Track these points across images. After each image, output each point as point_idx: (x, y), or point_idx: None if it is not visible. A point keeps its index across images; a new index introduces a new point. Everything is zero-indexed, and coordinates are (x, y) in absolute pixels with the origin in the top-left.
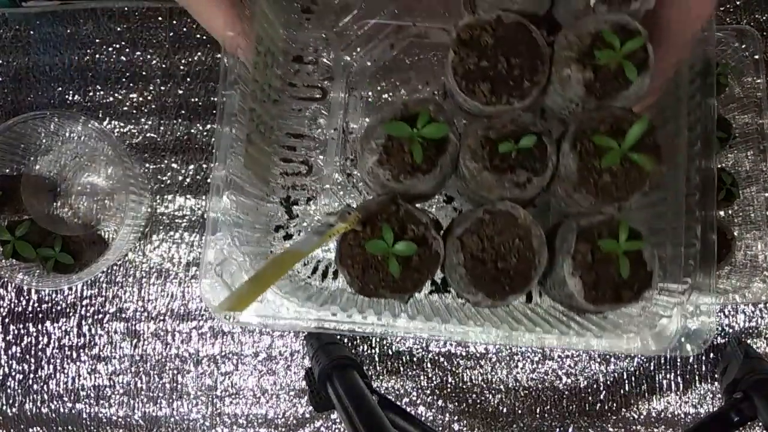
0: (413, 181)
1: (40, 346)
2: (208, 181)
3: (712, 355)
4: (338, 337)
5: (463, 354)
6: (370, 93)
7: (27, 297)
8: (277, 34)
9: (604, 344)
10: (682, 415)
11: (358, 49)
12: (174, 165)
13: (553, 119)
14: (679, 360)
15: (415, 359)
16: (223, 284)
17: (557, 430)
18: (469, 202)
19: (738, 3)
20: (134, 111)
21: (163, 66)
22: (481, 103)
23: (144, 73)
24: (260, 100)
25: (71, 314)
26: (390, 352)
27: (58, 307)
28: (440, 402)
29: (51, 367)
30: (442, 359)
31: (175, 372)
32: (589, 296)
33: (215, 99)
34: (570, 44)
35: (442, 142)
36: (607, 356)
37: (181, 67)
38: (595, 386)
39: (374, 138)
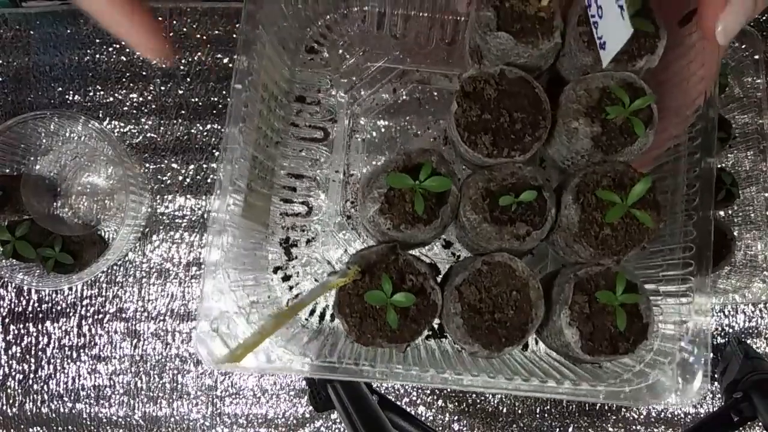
0: (414, 231)
1: (40, 346)
2: (209, 181)
3: (712, 355)
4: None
5: None
6: (372, 135)
7: (27, 297)
8: (281, 74)
9: (600, 393)
10: (682, 415)
11: (362, 92)
12: (174, 165)
13: (552, 168)
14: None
15: None
16: (219, 338)
17: (557, 430)
18: (467, 249)
19: None
20: (134, 111)
21: (163, 66)
22: (482, 155)
23: (144, 73)
24: (263, 146)
25: (71, 314)
26: None
27: (58, 307)
28: (440, 402)
29: (51, 367)
30: None
31: (175, 372)
32: (585, 347)
33: (215, 99)
34: (578, 98)
35: (444, 193)
36: None
37: (181, 67)
38: None
39: (376, 187)
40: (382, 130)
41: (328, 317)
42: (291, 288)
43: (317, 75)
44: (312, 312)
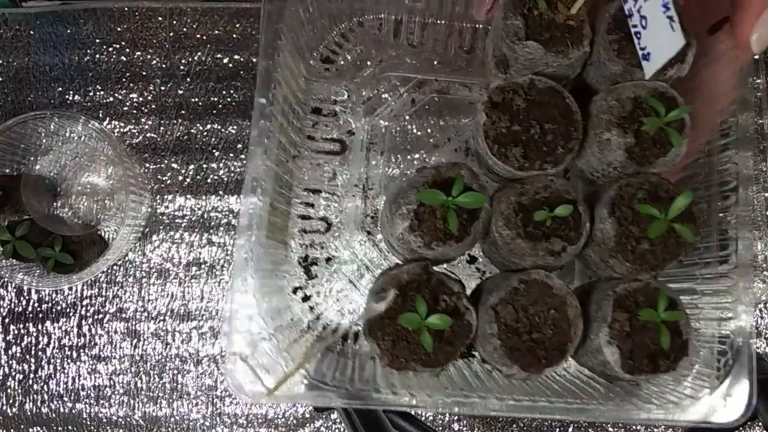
0: (445, 248)
1: (40, 346)
2: (209, 181)
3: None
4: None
5: None
6: (391, 147)
7: (27, 297)
8: (298, 84)
9: (646, 413)
10: None
11: (379, 103)
12: (174, 165)
13: (577, 177)
14: None
15: None
16: (250, 369)
17: (557, 429)
18: (496, 265)
19: None
20: (134, 111)
21: (163, 66)
22: (513, 168)
23: (144, 73)
24: (283, 161)
25: (71, 314)
26: None
27: (58, 307)
28: None
29: (51, 367)
30: None
31: (175, 372)
32: (626, 365)
33: (215, 99)
34: (610, 108)
35: (475, 209)
36: None
37: (181, 67)
38: None
39: (405, 203)
40: (401, 141)
41: (351, 337)
42: (312, 308)
43: (333, 86)
44: (334, 331)
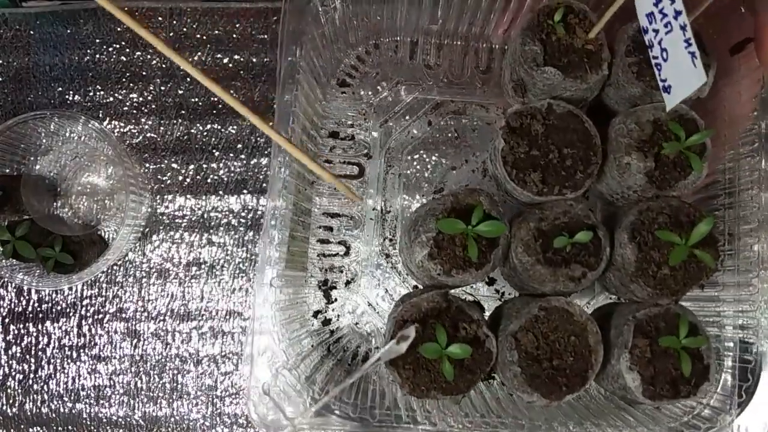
0: (465, 275)
1: (40, 346)
2: (208, 181)
3: None
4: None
5: None
6: (408, 170)
7: (27, 297)
8: (315, 110)
9: None
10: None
11: (396, 125)
12: (174, 165)
13: (596, 197)
14: None
15: None
16: (272, 402)
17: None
18: (515, 288)
19: None
20: (134, 111)
21: (163, 66)
22: (532, 193)
23: (144, 73)
24: (301, 187)
25: (71, 314)
26: None
27: (58, 307)
28: None
29: (51, 367)
30: None
31: (175, 372)
32: (647, 391)
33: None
34: (630, 132)
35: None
36: None
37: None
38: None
39: (424, 231)
40: (419, 164)
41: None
42: (332, 332)
43: (350, 109)
44: (354, 356)
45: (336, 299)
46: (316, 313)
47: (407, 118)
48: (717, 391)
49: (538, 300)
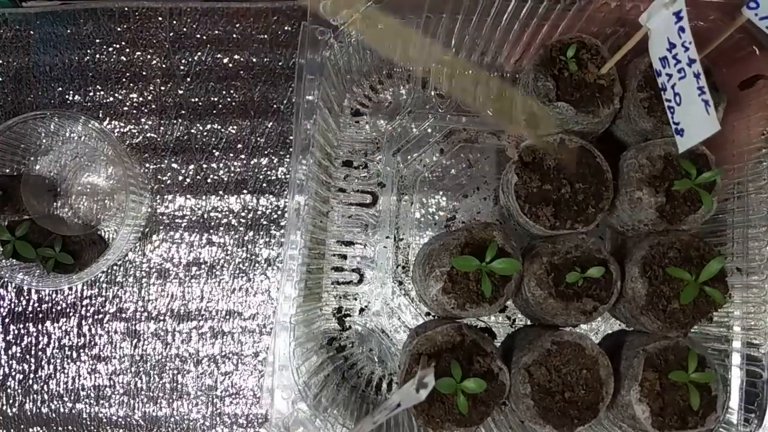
0: (479, 309)
1: (40, 346)
2: (208, 181)
3: None
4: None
5: None
6: (421, 198)
7: (27, 297)
8: (329, 141)
9: None
10: None
11: (409, 153)
12: (174, 165)
13: (607, 227)
14: None
15: None
16: None
17: None
18: (527, 317)
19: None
20: (134, 111)
21: (163, 66)
22: (544, 227)
23: (144, 73)
24: (317, 219)
25: (71, 314)
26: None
27: (58, 307)
28: None
29: (51, 367)
30: None
31: (175, 372)
32: (656, 423)
33: (215, 99)
34: (641, 167)
35: None
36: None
37: (181, 67)
38: None
39: (438, 265)
40: (431, 192)
41: (384, 388)
42: (346, 359)
43: (363, 138)
44: (368, 382)
45: (350, 326)
46: (330, 341)
47: (420, 146)
48: (722, 420)
49: (550, 333)
